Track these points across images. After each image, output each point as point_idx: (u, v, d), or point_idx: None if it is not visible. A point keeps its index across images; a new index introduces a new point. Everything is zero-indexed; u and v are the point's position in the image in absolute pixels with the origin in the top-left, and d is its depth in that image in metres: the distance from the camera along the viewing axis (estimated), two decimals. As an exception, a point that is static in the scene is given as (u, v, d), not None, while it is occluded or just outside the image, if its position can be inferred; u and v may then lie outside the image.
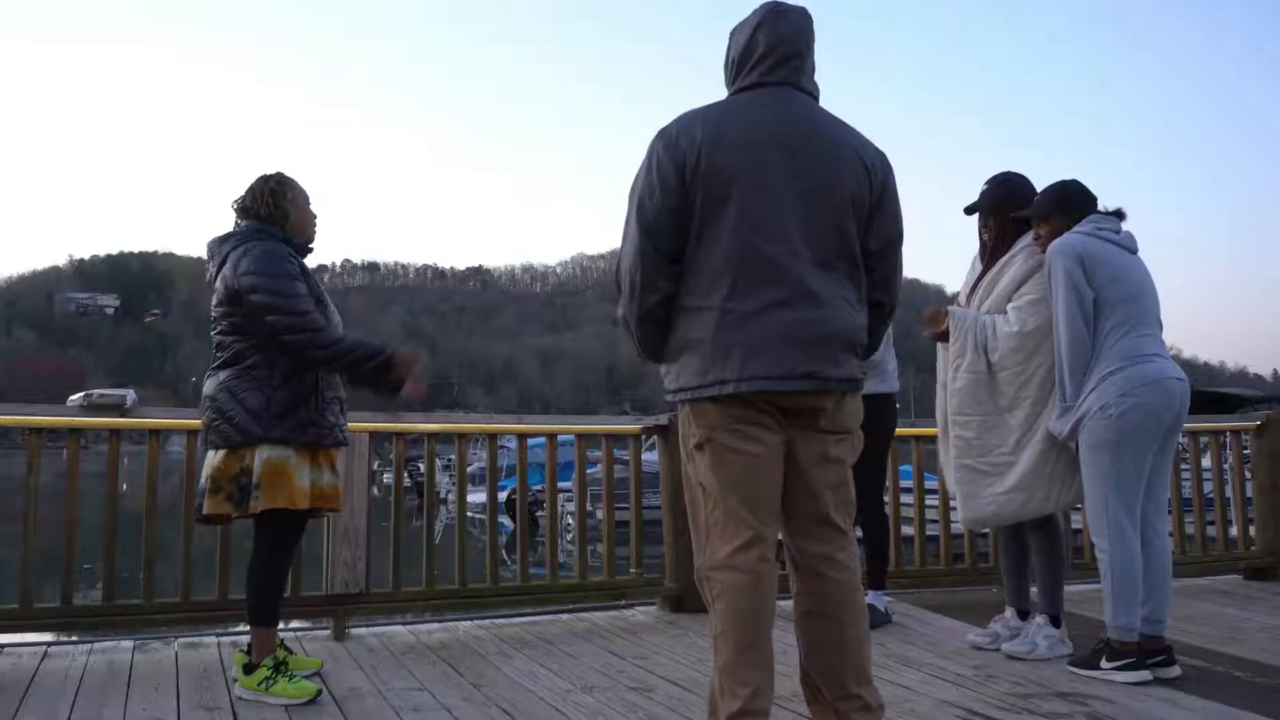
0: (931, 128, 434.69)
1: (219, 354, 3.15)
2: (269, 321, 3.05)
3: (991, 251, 3.66)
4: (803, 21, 2.38)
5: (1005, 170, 3.73)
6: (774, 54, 2.33)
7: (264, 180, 3.25)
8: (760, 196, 2.23)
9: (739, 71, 2.39)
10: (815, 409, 2.26)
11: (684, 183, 2.24)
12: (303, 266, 3.20)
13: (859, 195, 2.31)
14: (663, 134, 2.31)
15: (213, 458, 3.11)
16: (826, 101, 2.44)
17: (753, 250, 2.22)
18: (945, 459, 3.74)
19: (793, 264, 2.23)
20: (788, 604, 2.38)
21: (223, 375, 3.11)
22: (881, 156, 2.39)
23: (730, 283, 2.23)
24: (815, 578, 2.29)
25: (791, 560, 2.35)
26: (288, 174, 3.30)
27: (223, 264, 3.14)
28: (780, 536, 2.36)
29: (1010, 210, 3.58)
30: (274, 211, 3.21)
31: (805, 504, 2.30)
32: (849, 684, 2.25)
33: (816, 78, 2.43)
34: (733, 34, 2.44)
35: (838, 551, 2.30)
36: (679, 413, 2.36)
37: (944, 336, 3.66)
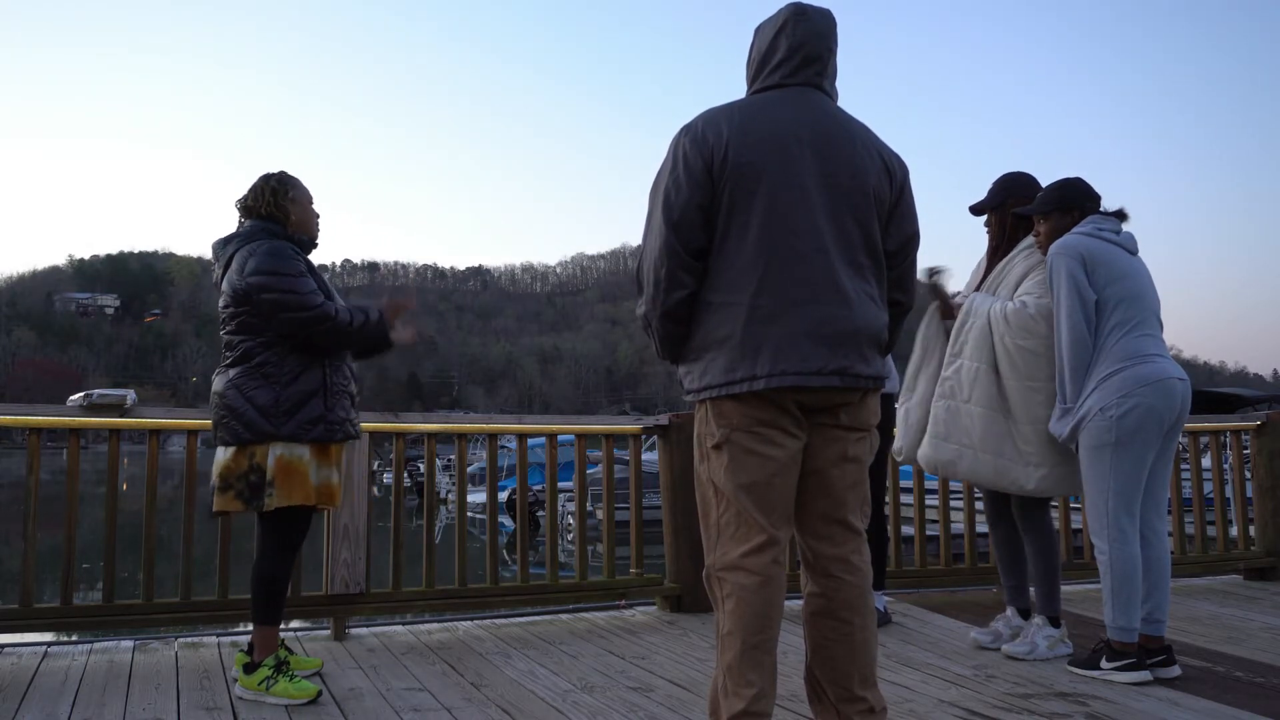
0: (927, 127, 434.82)
1: (228, 353, 3.16)
2: (284, 319, 3.05)
3: (994, 251, 3.68)
4: (826, 24, 2.35)
5: (1013, 170, 3.75)
6: (796, 56, 2.32)
7: (265, 179, 3.26)
8: (788, 193, 2.22)
9: (760, 71, 2.37)
10: (839, 406, 2.25)
11: (711, 177, 2.23)
12: (308, 262, 3.21)
13: (881, 195, 2.31)
14: (688, 129, 2.29)
15: (222, 455, 3.11)
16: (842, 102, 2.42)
17: (782, 246, 2.21)
18: (904, 412, 3.73)
19: (821, 260, 2.22)
20: (790, 604, 2.37)
21: (232, 373, 3.11)
22: (899, 158, 2.40)
23: (759, 278, 2.21)
24: (828, 579, 2.28)
25: (804, 560, 2.34)
26: (290, 173, 3.30)
27: (227, 265, 3.15)
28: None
29: (1015, 209, 3.59)
30: (275, 211, 3.22)
31: (823, 505, 2.28)
32: (854, 686, 2.24)
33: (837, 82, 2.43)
34: (757, 32, 2.42)
35: (852, 554, 2.28)
36: (697, 412, 2.33)
37: (950, 314, 3.65)
